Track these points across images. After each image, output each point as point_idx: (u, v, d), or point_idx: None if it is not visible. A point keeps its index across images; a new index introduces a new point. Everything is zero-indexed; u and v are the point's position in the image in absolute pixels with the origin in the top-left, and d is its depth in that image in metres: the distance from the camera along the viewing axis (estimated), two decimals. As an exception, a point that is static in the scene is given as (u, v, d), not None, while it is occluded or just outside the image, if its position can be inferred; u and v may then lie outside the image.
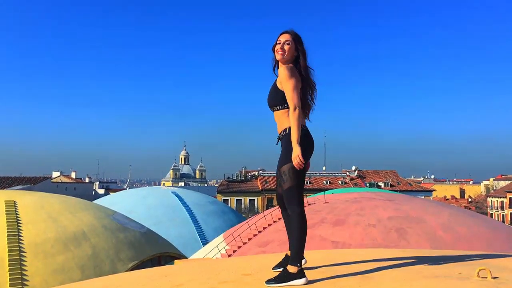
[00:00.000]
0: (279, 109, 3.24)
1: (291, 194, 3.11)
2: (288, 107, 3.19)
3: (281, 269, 3.10)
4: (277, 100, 3.24)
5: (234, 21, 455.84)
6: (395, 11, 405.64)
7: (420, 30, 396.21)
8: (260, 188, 67.13)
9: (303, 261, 3.37)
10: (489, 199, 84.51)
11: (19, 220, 17.34)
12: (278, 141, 3.29)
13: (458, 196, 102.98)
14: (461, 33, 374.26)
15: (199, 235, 31.78)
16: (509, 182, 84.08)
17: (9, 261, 15.32)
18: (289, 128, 3.18)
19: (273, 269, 3.42)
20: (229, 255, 17.23)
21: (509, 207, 75.79)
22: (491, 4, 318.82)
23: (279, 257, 3.72)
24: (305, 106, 3.32)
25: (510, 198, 75.76)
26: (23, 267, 15.44)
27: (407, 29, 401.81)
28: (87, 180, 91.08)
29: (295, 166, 3.06)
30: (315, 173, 72.29)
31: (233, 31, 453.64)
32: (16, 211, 17.87)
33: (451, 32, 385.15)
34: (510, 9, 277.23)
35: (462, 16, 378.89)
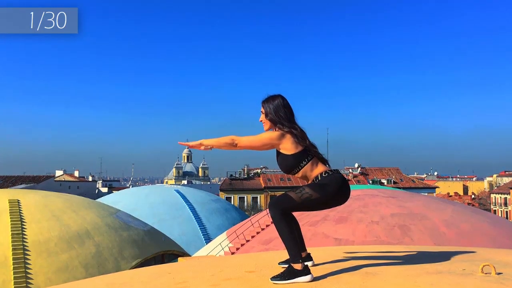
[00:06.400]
0: (299, 170, 3.12)
1: (286, 201, 3.02)
2: (307, 163, 3.09)
3: (287, 265, 3.09)
4: (289, 164, 3.14)
5: (236, 18, 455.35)
6: (398, 6, 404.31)
7: (425, 26, 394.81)
8: (263, 186, 67.14)
9: (310, 263, 3.37)
10: (492, 195, 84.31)
11: (23, 218, 17.40)
12: None
13: (461, 193, 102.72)
14: (465, 30, 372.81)
15: (202, 233, 31.82)
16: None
17: (13, 260, 15.39)
18: (321, 173, 3.08)
19: (279, 264, 3.42)
20: (233, 253, 17.26)
21: (513, 204, 75.62)
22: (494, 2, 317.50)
23: (283, 254, 3.71)
24: (309, 147, 3.16)
25: (513, 194, 75.55)
26: (27, 265, 15.50)
27: (411, 24, 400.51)
28: (90, 178, 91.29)
29: (191, 144, 3.11)
30: (318, 171, 71.88)
31: (234, 29, 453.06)
32: (19, 209, 17.94)
33: (454, 28, 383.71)
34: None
35: (470, 12, 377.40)
